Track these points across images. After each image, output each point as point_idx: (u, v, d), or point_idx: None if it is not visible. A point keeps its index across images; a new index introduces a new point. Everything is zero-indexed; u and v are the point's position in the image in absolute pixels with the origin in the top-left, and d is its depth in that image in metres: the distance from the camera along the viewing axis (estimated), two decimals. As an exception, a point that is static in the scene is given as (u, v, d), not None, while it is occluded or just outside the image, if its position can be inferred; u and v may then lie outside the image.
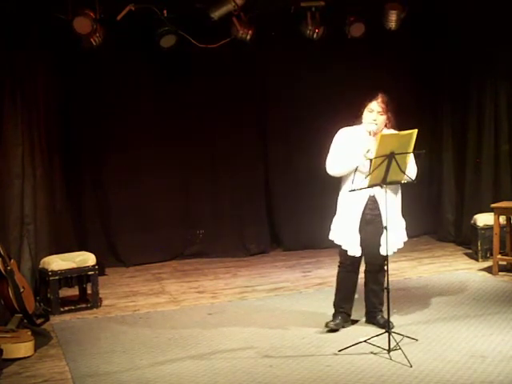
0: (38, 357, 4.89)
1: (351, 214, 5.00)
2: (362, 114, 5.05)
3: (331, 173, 5.05)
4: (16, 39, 6.37)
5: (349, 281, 5.18)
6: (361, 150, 4.85)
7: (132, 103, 7.75)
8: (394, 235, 5.02)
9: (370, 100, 5.00)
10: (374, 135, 4.88)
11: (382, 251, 4.97)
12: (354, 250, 4.99)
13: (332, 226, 5.14)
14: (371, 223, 5.02)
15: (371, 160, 4.66)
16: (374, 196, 4.99)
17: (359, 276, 5.25)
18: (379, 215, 4.98)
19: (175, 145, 8.01)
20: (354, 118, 5.10)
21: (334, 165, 5.00)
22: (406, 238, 5.17)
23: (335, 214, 5.16)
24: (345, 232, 5.01)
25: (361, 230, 5.00)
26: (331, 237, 5.12)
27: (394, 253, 5.08)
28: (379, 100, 4.98)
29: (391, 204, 4.96)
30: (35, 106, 6.66)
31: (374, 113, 4.96)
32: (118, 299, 6.49)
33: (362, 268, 5.24)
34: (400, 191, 5.13)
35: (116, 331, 5.45)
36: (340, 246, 5.06)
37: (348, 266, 5.13)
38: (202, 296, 6.50)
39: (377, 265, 5.16)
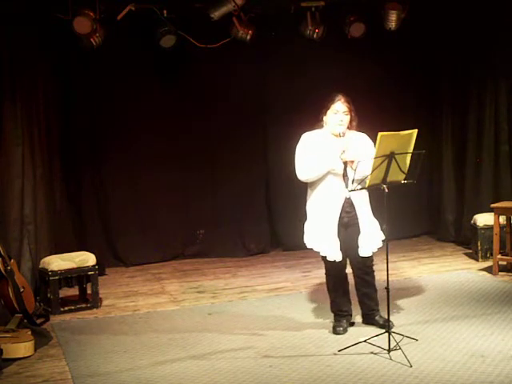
0: (38, 357, 4.89)
1: (327, 218, 4.92)
2: (322, 116, 5.01)
3: (303, 178, 4.98)
4: (16, 39, 6.37)
5: (341, 285, 5.15)
6: (334, 153, 4.83)
7: (132, 103, 7.75)
8: (373, 235, 5.00)
9: (333, 101, 4.94)
10: (342, 136, 4.86)
11: (362, 253, 4.97)
12: (335, 254, 4.93)
13: (307, 233, 5.06)
14: (349, 226, 4.98)
15: (346, 162, 4.72)
16: (349, 198, 4.95)
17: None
18: (355, 217, 4.97)
19: (175, 145, 8.01)
20: (315, 121, 5.07)
21: (306, 170, 4.92)
22: (383, 237, 5.05)
23: (306, 220, 5.10)
24: (323, 237, 4.94)
25: (339, 234, 4.95)
26: (309, 245, 5.05)
27: (374, 252, 5.04)
28: (342, 100, 4.93)
29: (365, 204, 4.97)
30: (35, 105, 6.66)
31: (340, 113, 4.92)
32: (118, 299, 6.49)
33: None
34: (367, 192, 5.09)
35: (116, 331, 5.45)
36: (319, 253, 5.00)
37: (335, 271, 5.07)
38: (202, 296, 6.50)
39: (363, 267, 5.11)
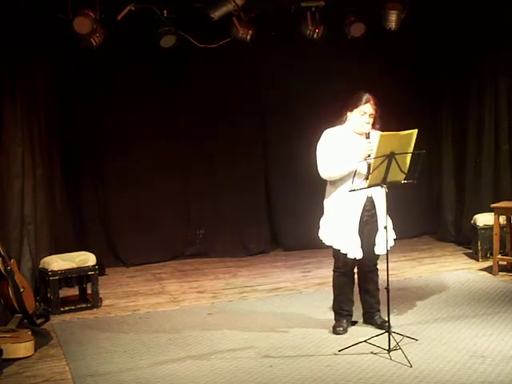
0: (38, 357, 4.89)
1: (349, 216, 4.94)
2: (346, 112, 5.01)
3: (325, 177, 5.00)
4: (16, 39, 6.37)
5: (348, 284, 5.15)
6: (357, 153, 4.82)
7: (132, 103, 7.75)
8: (389, 233, 4.99)
9: (361, 101, 4.93)
10: (368, 137, 4.85)
11: (378, 251, 4.99)
12: (356, 252, 4.94)
13: (325, 231, 5.07)
14: (367, 224, 5.00)
15: (370, 164, 4.68)
16: (371, 197, 4.98)
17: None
18: (375, 215, 4.99)
19: (175, 145, 8.01)
20: (336, 118, 5.08)
21: (330, 170, 4.93)
22: (395, 236, 5.15)
23: (321, 216, 5.12)
24: (344, 235, 4.95)
25: (359, 232, 4.97)
26: (328, 242, 5.05)
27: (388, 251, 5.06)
28: (372, 102, 4.93)
29: (384, 203, 4.96)
30: (35, 106, 6.66)
31: (367, 115, 4.92)
32: (118, 299, 6.49)
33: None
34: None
35: (116, 331, 5.45)
36: (338, 251, 4.99)
37: (346, 269, 5.08)
38: (202, 296, 6.50)
39: (371, 265, 5.15)
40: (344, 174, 4.90)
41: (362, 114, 4.93)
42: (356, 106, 4.96)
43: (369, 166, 4.68)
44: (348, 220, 4.95)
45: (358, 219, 4.96)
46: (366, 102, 4.93)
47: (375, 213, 4.99)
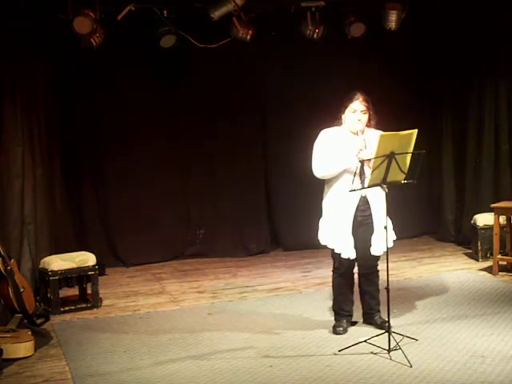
0: (38, 357, 4.89)
1: (343, 216, 4.94)
2: (341, 114, 5.04)
3: (319, 175, 5.01)
4: (16, 39, 6.37)
5: (347, 284, 5.15)
6: (352, 152, 4.83)
7: (132, 103, 7.75)
8: (385, 234, 5.00)
9: (351, 100, 4.97)
10: (361, 134, 4.86)
11: (374, 251, 4.98)
12: (348, 252, 4.94)
13: (322, 230, 5.08)
14: (362, 225, 4.99)
15: (363, 161, 4.68)
16: (365, 197, 4.97)
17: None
18: (370, 216, 4.98)
19: (175, 145, 8.01)
20: (333, 119, 5.09)
21: (323, 168, 4.94)
22: (394, 237, 5.13)
23: (321, 216, 5.12)
24: (337, 235, 4.95)
25: (353, 232, 4.96)
26: (323, 242, 5.07)
27: (384, 252, 5.03)
28: (361, 99, 4.96)
29: (381, 203, 4.95)
30: (35, 106, 6.66)
31: (358, 112, 4.94)
32: (118, 299, 6.49)
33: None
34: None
35: (116, 331, 5.45)
36: (333, 251, 5.00)
37: (344, 269, 5.07)
38: (201, 296, 6.51)
39: (370, 266, 5.14)
40: (338, 173, 4.91)
41: (353, 112, 4.96)
42: (347, 106, 5.00)
43: (362, 163, 4.70)
44: (341, 220, 4.94)
45: (352, 219, 4.95)
46: (355, 100, 4.96)
47: (370, 213, 4.98)
